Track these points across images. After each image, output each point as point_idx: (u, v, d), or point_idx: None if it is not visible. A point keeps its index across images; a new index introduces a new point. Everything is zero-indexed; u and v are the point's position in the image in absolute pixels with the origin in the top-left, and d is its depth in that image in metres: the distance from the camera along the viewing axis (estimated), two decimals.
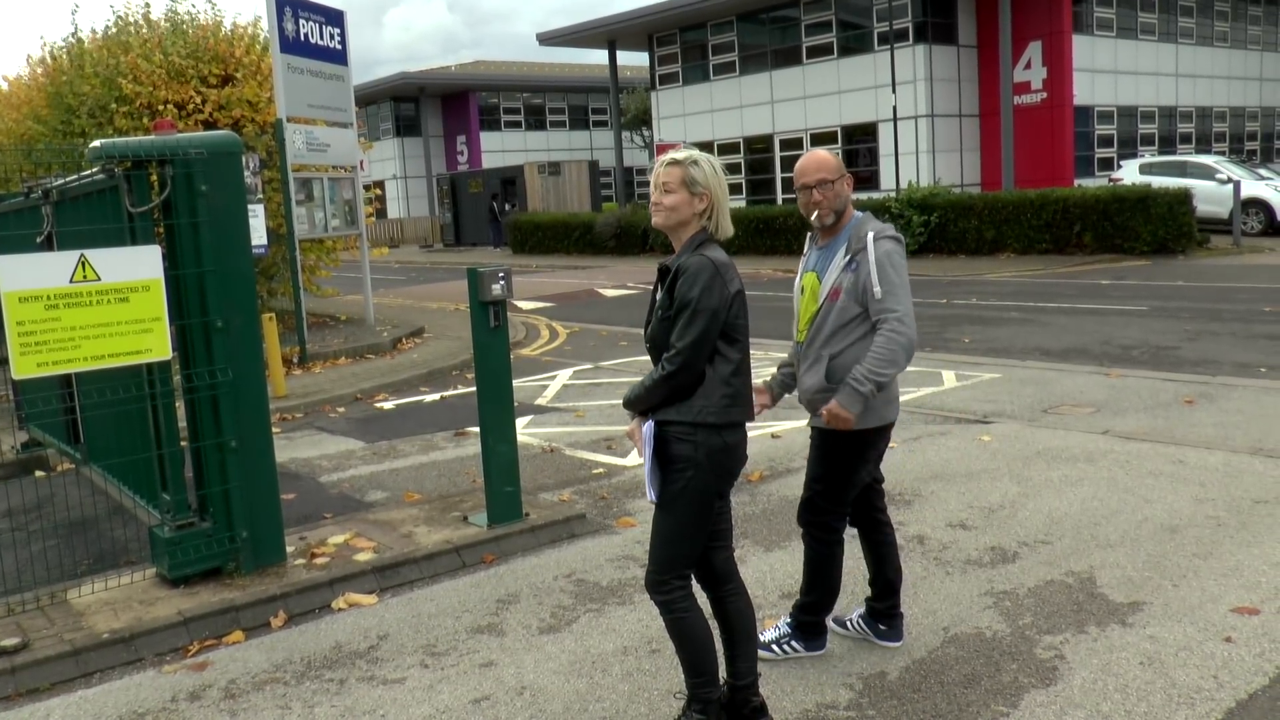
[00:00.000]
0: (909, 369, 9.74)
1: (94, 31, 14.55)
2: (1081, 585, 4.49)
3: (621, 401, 3.26)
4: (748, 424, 3.25)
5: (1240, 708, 3.42)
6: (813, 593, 3.98)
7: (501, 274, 5.39)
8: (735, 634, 3.36)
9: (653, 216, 3.28)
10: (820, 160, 3.78)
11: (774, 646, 3.99)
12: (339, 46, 13.72)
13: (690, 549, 3.23)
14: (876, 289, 3.64)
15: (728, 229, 3.26)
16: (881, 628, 4.07)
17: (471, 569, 5.15)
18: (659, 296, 3.25)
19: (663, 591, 3.22)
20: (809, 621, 4.00)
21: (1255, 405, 7.60)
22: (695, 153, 3.25)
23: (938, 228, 21.81)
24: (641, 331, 3.45)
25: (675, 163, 3.21)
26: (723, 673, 3.41)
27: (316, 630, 4.51)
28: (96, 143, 4.73)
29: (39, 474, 7.46)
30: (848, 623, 4.15)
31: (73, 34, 14.69)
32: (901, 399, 8.34)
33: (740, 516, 5.50)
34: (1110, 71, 29.87)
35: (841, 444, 3.80)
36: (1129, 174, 23.79)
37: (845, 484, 3.87)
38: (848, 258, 3.72)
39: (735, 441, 3.21)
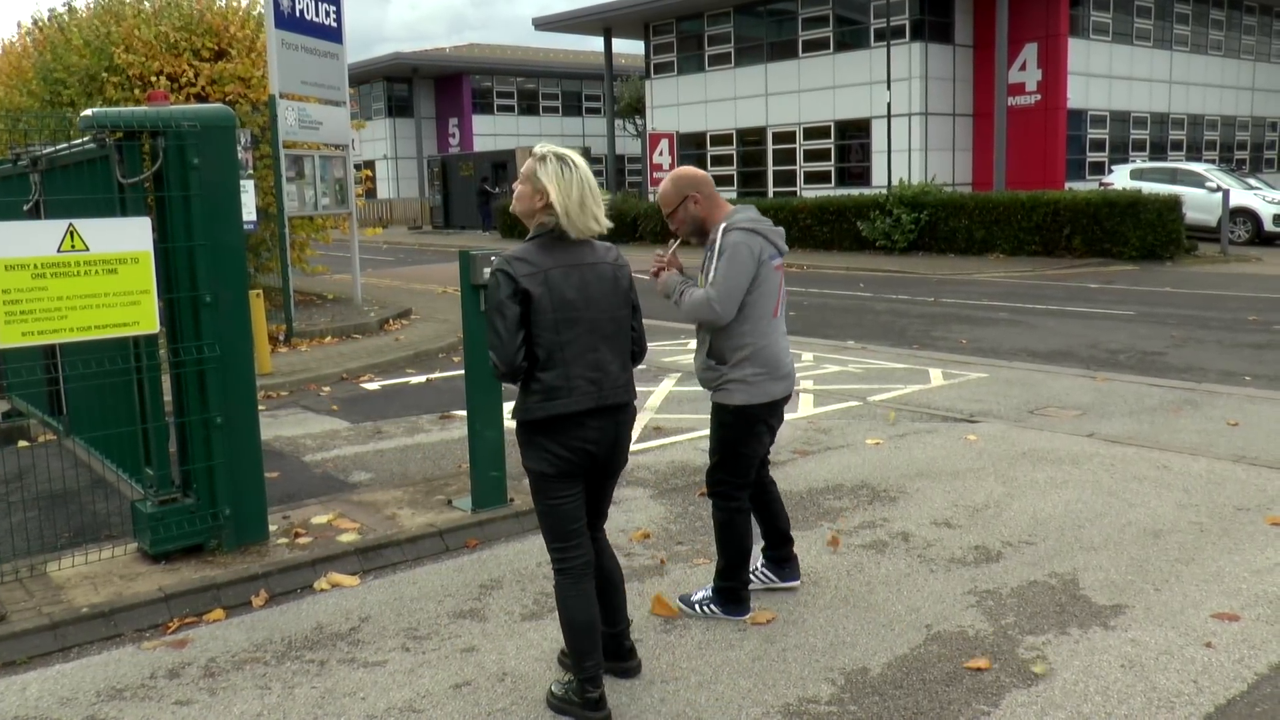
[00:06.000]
0: (896, 365, 9.83)
1: (88, 5, 14.39)
2: (1064, 587, 4.51)
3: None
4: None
5: (1219, 713, 3.44)
6: (723, 556, 4.21)
7: (494, 257, 5.34)
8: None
9: None
10: (661, 193, 4.14)
11: (698, 606, 4.25)
12: (334, 24, 13.60)
13: None
14: (712, 273, 3.97)
15: (583, 228, 3.36)
16: (785, 570, 4.45)
17: (455, 553, 5.13)
18: None
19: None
20: (725, 588, 4.23)
21: (1239, 413, 7.64)
22: (553, 151, 3.37)
23: (928, 226, 21.85)
24: None
25: (532, 157, 3.39)
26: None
27: (298, 610, 4.49)
28: (88, 111, 4.66)
29: (22, 444, 7.40)
30: (752, 576, 4.38)
31: (65, 3, 14.53)
32: (888, 396, 8.45)
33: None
34: (1105, 76, 29.92)
35: (726, 420, 4.09)
36: (1120, 179, 23.83)
37: (735, 457, 4.12)
38: (707, 251, 4.06)
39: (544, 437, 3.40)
